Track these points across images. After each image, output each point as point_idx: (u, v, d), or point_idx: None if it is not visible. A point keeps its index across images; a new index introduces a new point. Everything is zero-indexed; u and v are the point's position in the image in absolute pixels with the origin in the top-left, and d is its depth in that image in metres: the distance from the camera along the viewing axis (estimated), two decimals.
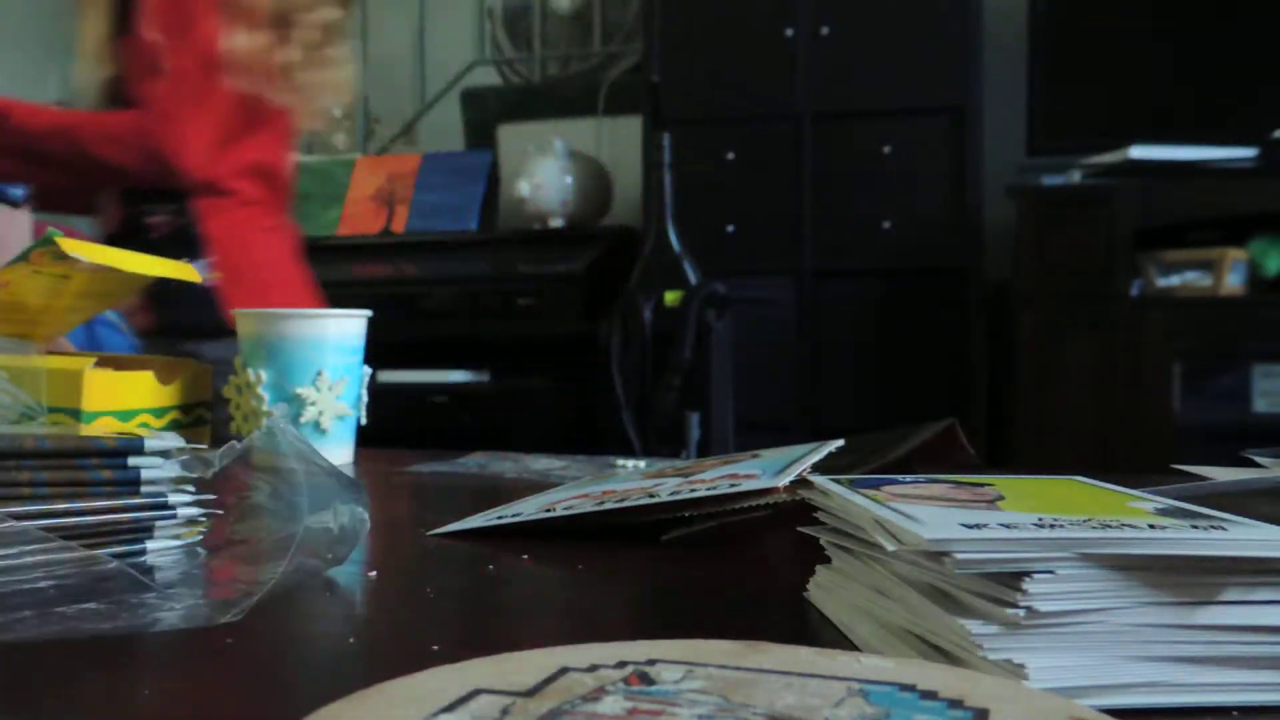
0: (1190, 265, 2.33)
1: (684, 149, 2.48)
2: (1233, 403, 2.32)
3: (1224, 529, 0.36)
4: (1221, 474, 0.61)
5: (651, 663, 0.32)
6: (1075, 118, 2.61)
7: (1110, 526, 0.35)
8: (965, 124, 2.55)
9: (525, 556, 0.58)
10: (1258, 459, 0.58)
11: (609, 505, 0.63)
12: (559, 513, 0.64)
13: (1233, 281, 2.30)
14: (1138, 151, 2.33)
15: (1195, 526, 0.36)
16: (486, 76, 3.37)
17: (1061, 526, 0.35)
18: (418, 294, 2.75)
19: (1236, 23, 2.56)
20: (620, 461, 0.99)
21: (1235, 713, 0.34)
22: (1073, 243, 2.37)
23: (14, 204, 1.95)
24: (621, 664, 0.32)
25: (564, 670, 0.31)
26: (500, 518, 0.66)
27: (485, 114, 3.24)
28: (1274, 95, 2.51)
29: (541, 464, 0.98)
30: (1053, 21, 2.60)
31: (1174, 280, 2.34)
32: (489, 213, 3.05)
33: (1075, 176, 2.43)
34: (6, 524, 0.43)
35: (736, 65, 2.70)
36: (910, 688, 0.29)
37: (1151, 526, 0.36)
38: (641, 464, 0.95)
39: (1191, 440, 2.27)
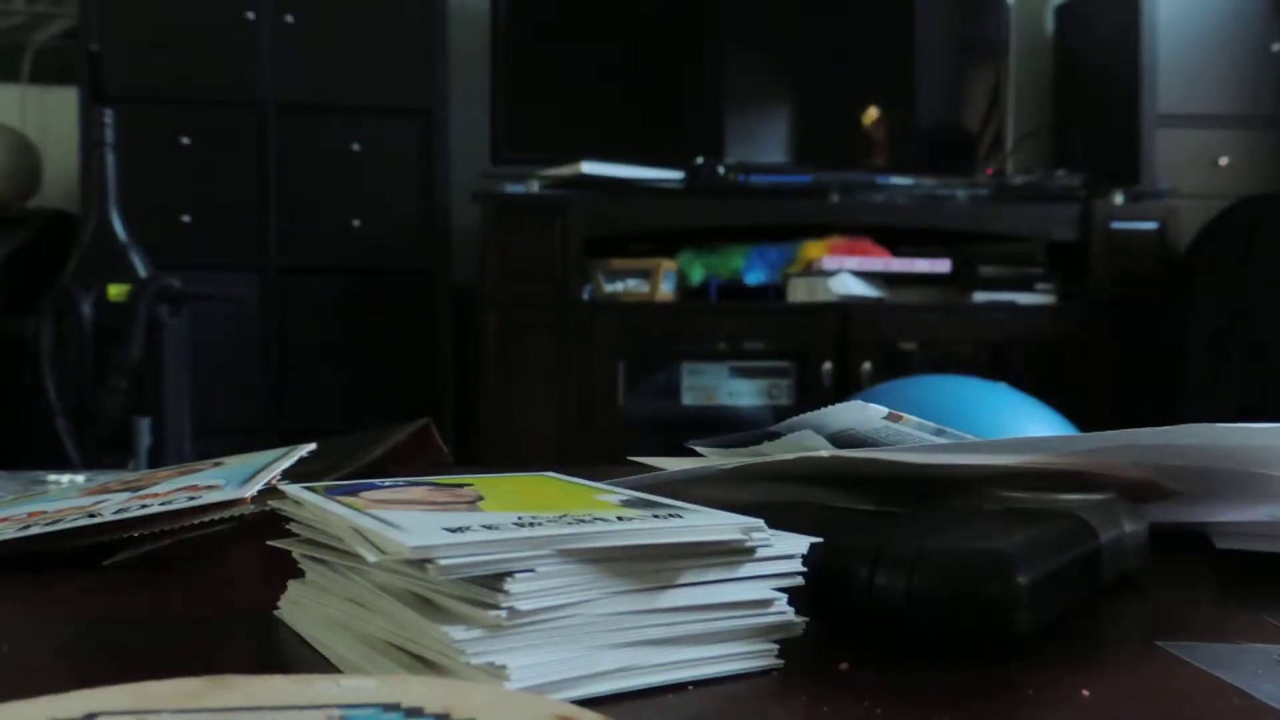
0: (631, 273, 2.57)
1: (130, 128, 2.26)
2: (667, 397, 2.61)
3: (680, 516, 0.38)
4: (669, 463, 0.67)
5: (90, 718, 0.27)
6: (534, 131, 2.76)
7: (584, 521, 0.37)
8: (431, 128, 2.60)
9: None
10: (696, 448, 0.64)
11: (35, 529, 0.54)
12: None
13: (665, 289, 2.57)
14: (587, 167, 2.52)
15: (656, 515, 0.38)
16: None
17: (540, 524, 0.36)
18: None
19: (673, 60, 2.87)
20: (52, 476, 0.86)
21: (691, 687, 0.37)
22: (533, 249, 2.51)
23: None
24: None
25: None
26: None
27: None
28: (697, 126, 2.85)
29: None
30: (512, 39, 2.73)
31: (618, 286, 2.57)
32: None
33: (534, 186, 2.57)
34: None
35: (192, 43, 2.51)
36: (394, 707, 0.28)
37: (620, 519, 0.37)
38: (80, 479, 0.84)
39: (635, 432, 2.51)
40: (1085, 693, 0.37)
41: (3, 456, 1.67)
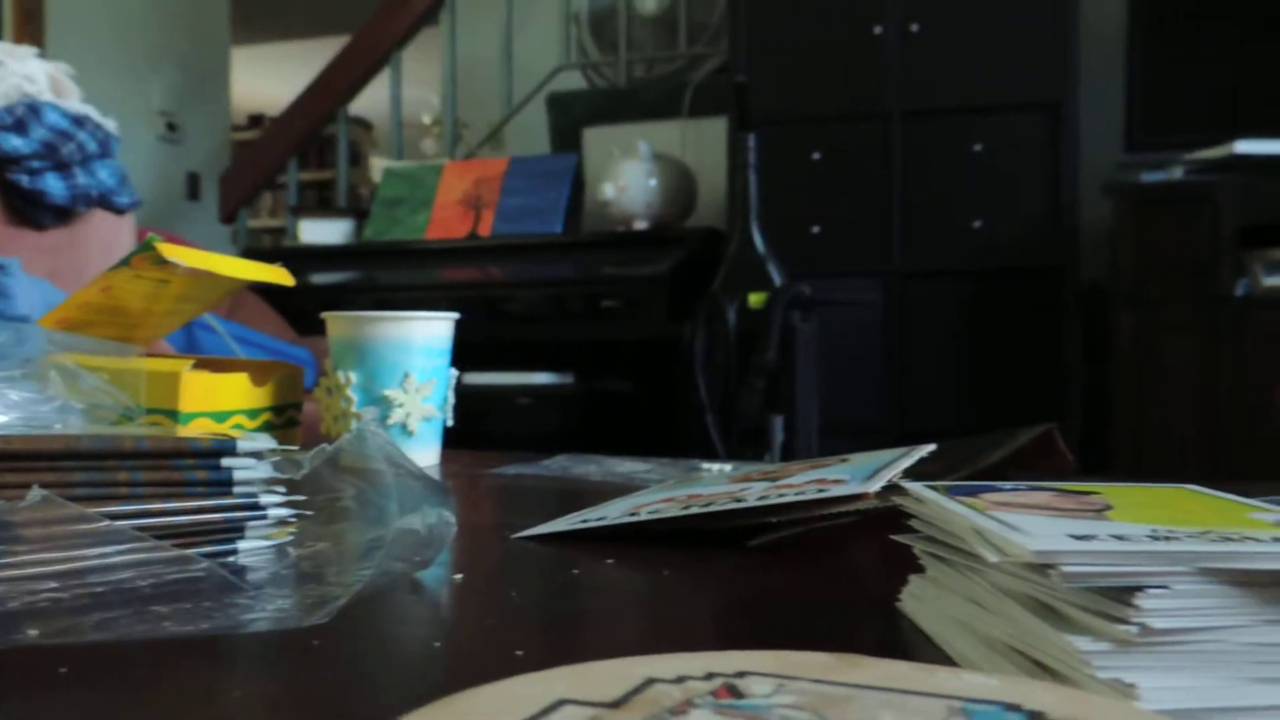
0: None
1: (769, 149, 2.46)
2: None
3: None
4: None
5: (741, 675, 0.31)
6: (1175, 112, 2.52)
7: (1231, 539, 0.33)
8: (1061, 120, 2.48)
9: (610, 560, 0.58)
10: None
11: (695, 510, 0.62)
12: (644, 516, 0.63)
13: None
14: (1242, 146, 2.24)
15: None
16: (572, 80, 3.39)
17: (1177, 539, 0.33)
18: (504, 296, 2.78)
19: None
20: (705, 465, 0.98)
21: None
22: (1174, 241, 2.29)
23: (119, 211, 2.01)
24: (709, 675, 0.31)
25: (650, 681, 0.30)
26: (585, 521, 0.65)
27: (571, 117, 3.26)
28: None
29: (626, 467, 0.98)
30: (1152, 13, 2.51)
31: None
32: (574, 216, 3.07)
33: (1176, 173, 2.35)
34: (102, 524, 0.43)
35: (823, 64, 2.67)
36: (1016, 708, 0.28)
37: (1277, 540, 0.33)
38: (727, 467, 0.94)
39: None
40: None
41: (661, 445, 1.92)
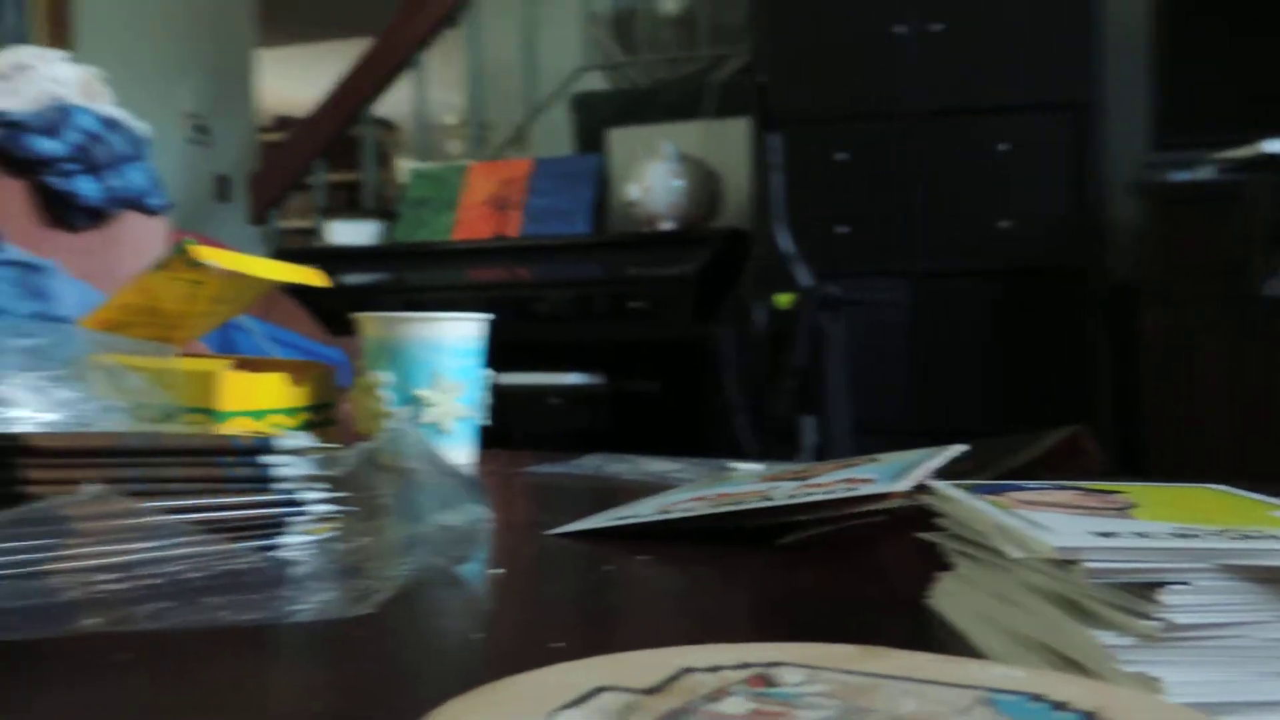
0: None
1: (793, 149, 2.47)
2: None
3: None
4: None
5: (773, 665, 0.32)
6: (1203, 111, 2.50)
7: (1251, 537, 0.34)
8: (1086, 119, 2.47)
9: (643, 557, 0.59)
10: None
11: (725, 508, 0.63)
12: (676, 514, 0.64)
13: None
14: (1271, 145, 2.22)
15: None
16: (595, 81, 3.40)
17: (1199, 536, 0.34)
18: (532, 297, 2.79)
19: None
20: (735, 464, 0.98)
21: None
22: (1203, 241, 2.28)
23: (151, 213, 2.04)
24: (743, 665, 0.32)
25: (686, 670, 0.31)
26: (619, 519, 0.66)
27: (595, 118, 3.27)
28: None
29: (657, 466, 0.99)
30: (1178, 9, 2.50)
31: None
32: (600, 216, 3.08)
33: (1205, 172, 2.33)
34: (154, 518, 0.45)
35: (845, 64, 2.67)
36: (1040, 698, 0.29)
37: None
38: (758, 467, 0.94)
39: None
40: None
41: (690, 446, 1.92)
